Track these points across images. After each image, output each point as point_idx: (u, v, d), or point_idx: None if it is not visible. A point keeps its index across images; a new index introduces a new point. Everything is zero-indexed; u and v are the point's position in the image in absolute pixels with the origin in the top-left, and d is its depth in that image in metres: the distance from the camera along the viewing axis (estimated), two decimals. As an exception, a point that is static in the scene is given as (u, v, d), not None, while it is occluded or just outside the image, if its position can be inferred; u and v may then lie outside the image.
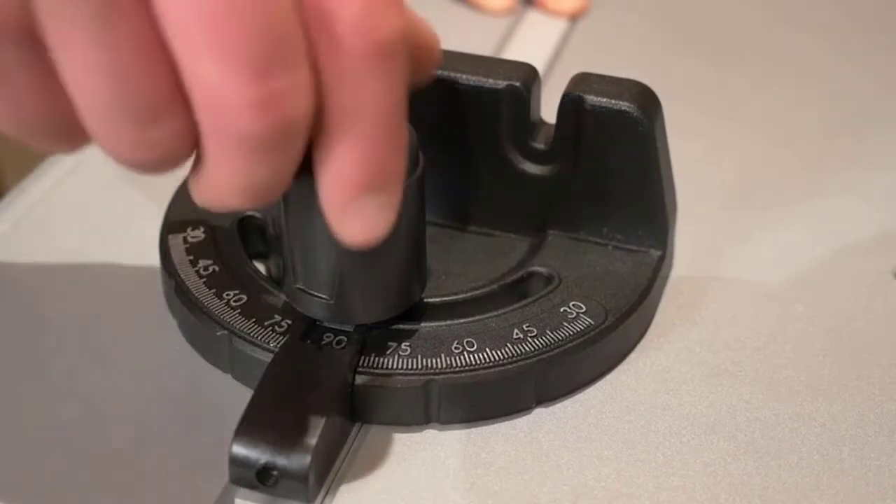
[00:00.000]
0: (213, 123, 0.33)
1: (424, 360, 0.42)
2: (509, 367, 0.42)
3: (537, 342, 0.43)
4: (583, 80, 0.45)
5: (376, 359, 0.42)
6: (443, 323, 0.43)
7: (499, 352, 0.42)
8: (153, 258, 0.47)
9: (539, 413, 0.43)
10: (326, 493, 0.40)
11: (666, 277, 0.48)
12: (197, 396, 0.43)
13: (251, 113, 0.32)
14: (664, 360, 0.45)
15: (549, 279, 0.45)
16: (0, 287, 0.48)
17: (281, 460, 0.38)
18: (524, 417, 0.43)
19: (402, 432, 0.42)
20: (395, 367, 0.41)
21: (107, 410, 0.43)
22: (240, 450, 0.38)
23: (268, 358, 0.41)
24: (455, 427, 0.42)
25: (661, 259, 0.46)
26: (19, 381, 0.44)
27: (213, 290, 0.44)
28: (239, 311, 0.43)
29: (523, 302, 0.44)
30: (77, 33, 0.31)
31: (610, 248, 0.47)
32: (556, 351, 0.42)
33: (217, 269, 0.45)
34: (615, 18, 0.68)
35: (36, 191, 0.53)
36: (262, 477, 0.38)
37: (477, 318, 0.43)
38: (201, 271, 0.45)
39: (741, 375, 0.45)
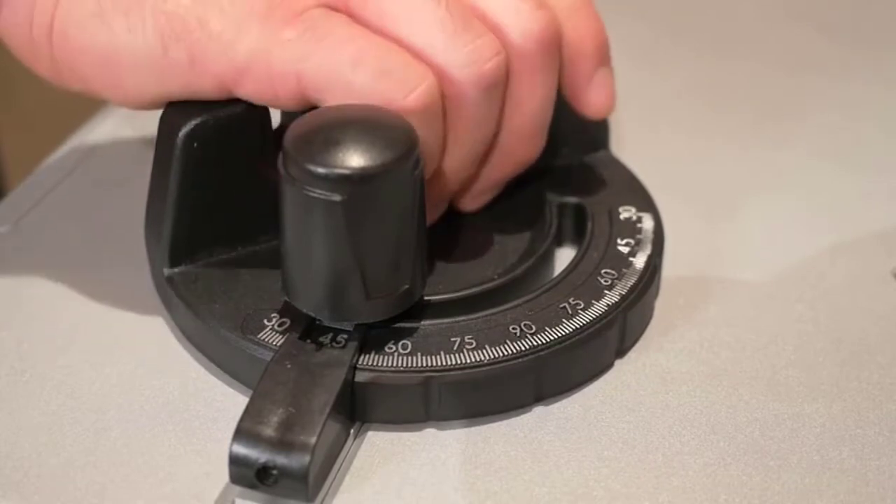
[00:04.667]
0: (521, 28, 0.43)
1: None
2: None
3: (639, 254, 0.46)
4: None
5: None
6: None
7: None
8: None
9: (539, 413, 0.43)
10: (326, 492, 0.40)
11: None
12: (196, 396, 0.43)
13: (542, 30, 0.44)
14: (664, 360, 0.45)
15: (578, 207, 0.48)
16: (0, 287, 0.48)
17: (280, 459, 0.38)
18: (524, 417, 0.43)
19: (402, 432, 0.42)
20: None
21: (106, 410, 0.43)
22: (240, 449, 0.38)
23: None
24: (455, 427, 0.42)
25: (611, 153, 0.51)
26: (19, 380, 0.44)
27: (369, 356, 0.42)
28: None
29: (588, 237, 0.47)
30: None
31: (575, 163, 0.50)
32: (651, 252, 0.46)
33: (346, 336, 0.42)
34: (612, 11, 0.68)
35: (36, 191, 0.53)
36: (261, 476, 0.38)
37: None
38: (332, 345, 0.42)
39: (741, 375, 0.45)
